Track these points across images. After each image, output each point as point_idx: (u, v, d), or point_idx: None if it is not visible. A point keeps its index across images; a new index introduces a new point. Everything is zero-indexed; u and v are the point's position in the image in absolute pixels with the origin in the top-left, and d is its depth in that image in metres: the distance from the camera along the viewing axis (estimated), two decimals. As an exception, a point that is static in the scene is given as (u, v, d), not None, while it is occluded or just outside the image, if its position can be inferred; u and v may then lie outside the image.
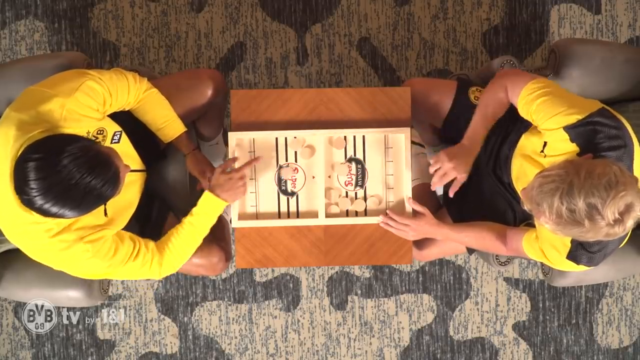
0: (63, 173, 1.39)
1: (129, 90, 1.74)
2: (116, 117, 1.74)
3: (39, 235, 1.54)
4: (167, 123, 1.85)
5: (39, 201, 1.41)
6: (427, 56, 2.64)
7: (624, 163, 1.54)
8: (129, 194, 1.76)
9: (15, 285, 1.97)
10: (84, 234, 1.59)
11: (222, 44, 2.62)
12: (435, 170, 1.84)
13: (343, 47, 2.63)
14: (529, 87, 1.69)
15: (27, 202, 1.43)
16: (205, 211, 1.79)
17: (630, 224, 1.41)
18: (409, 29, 2.64)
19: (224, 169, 1.83)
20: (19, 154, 1.45)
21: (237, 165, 1.86)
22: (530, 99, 1.67)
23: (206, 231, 1.81)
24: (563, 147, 1.60)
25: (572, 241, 1.62)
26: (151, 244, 1.76)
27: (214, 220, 1.82)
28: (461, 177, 1.84)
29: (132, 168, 1.72)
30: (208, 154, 2.20)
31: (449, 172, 1.82)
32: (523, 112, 1.72)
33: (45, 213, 1.43)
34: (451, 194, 1.86)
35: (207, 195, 1.80)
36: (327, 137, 1.90)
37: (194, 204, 1.81)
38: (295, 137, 1.89)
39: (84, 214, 1.48)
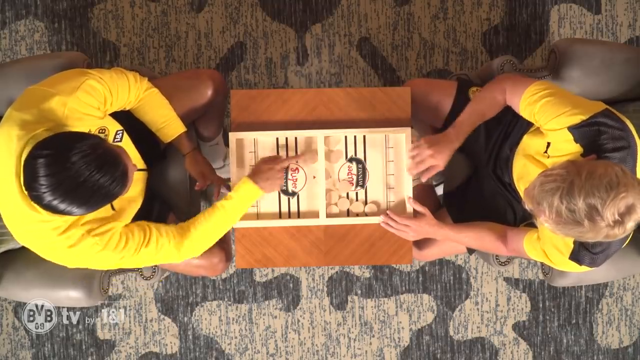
0: (72, 170, 1.39)
1: (130, 89, 1.74)
2: (116, 117, 1.74)
3: (47, 233, 1.54)
4: (167, 123, 1.85)
5: (47, 197, 1.40)
6: (427, 56, 2.64)
7: (627, 164, 1.54)
8: (132, 192, 1.76)
9: (15, 285, 1.97)
10: (92, 227, 1.59)
11: (222, 44, 2.62)
12: (413, 156, 1.83)
13: (343, 47, 2.63)
14: (532, 89, 1.69)
15: (36, 199, 1.43)
16: (241, 196, 1.79)
17: (630, 225, 1.41)
18: (409, 29, 2.64)
19: (267, 159, 1.84)
20: (24, 151, 1.45)
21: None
22: (533, 99, 1.67)
23: (236, 219, 1.80)
24: (567, 148, 1.60)
25: (575, 242, 1.62)
26: (166, 227, 1.73)
27: (246, 209, 1.81)
28: (438, 166, 1.81)
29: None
30: (208, 155, 2.20)
31: (426, 160, 1.80)
32: (525, 113, 1.72)
33: (54, 210, 1.43)
34: (423, 180, 1.85)
35: (245, 181, 1.80)
36: (328, 138, 1.90)
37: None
38: (296, 137, 1.89)
39: (91, 211, 1.47)
